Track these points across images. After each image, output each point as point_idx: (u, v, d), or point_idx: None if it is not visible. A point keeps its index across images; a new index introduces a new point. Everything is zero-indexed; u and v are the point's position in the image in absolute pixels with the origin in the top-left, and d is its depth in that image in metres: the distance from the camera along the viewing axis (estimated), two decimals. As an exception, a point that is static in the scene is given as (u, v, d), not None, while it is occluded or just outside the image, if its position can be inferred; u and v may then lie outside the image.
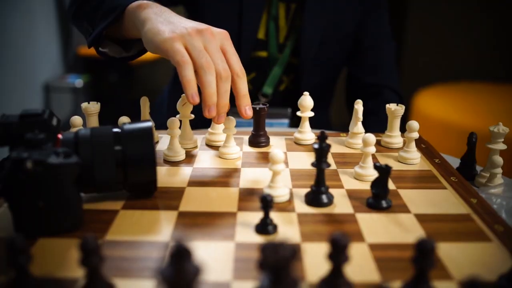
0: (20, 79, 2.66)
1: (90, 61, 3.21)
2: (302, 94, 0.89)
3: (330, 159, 0.83)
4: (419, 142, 0.91)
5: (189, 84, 0.70)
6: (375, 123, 1.11)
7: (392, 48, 1.31)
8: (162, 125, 0.97)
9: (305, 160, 0.83)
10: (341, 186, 0.73)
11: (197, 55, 0.71)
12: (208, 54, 0.72)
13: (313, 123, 0.94)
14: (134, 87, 3.34)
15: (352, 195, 0.70)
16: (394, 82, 1.29)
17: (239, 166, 0.80)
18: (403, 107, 0.87)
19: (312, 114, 0.90)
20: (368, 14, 1.26)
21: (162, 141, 0.91)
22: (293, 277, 0.38)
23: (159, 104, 1.43)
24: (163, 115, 1.28)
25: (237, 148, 0.85)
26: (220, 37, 0.75)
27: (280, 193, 0.67)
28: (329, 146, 0.65)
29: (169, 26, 0.74)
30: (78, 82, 3.00)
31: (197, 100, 0.71)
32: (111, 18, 0.84)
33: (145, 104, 0.87)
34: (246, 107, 0.77)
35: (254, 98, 1.23)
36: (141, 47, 0.92)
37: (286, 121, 1.19)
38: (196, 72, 0.72)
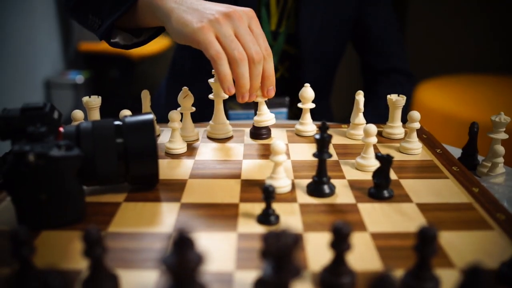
0: (20, 76, 2.66)
1: (90, 57, 3.21)
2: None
3: (331, 150, 0.83)
4: (421, 133, 0.91)
5: (225, 78, 0.72)
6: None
7: (396, 29, 1.30)
8: (160, 119, 0.97)
9: (306, 152, 0.83)
10: (343, 177, 0.73)
11: (229, 46, 0.72)
12: (239, 42, 0.73)
13: (314, 115, 0.94)
14: (134, 82, 3.34)
15: (354, 185, 0.70)
16: (403, 63, 1.29)
17: (240, 158, 0.80)
18: (404, 97, 0.87)
19: (313, 105, 0.90)
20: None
21: (164, 134, 0.91)
22: (296, 264, 0.38)
23: (156, 98, 1.42)
24: (161, 109, 1.28)
25: (272, 115, 0.86)
26: (247, 17, 0.75)
27: (282, 184, 0.68)
28: (330, 136, 0.65)
29: (195, 15, 0.73)
30: (79, 78, 3.00)
31: (233, 91, 0.74)
32: (124, 8, 0.83)
33: (146, 97, 0.88)
34: (269, 88, 0.78)
35: None
36: (151, 32, 0.91)
37: (284, 110, 1.18)
38: (229, 62, 0.72)
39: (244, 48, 0.73)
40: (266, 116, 0.87)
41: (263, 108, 0.86)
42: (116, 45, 0.91)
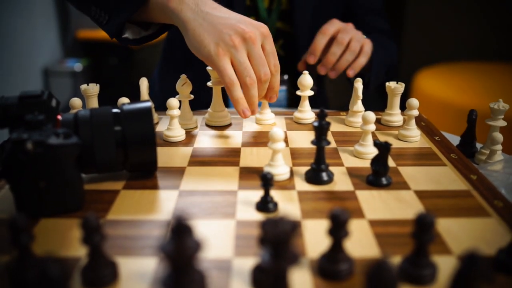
0: (19, 63, 2.65)
1: (89, 45, 3.19)
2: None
3: (330, 137, 0.83)
4: (419, 120, 0.92)
5: (239, 102, 0.78)
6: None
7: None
8: (155, 107, 0.96)
9: (305, 139, 0.83)
10: (341, 164, 0.73)
11: (242, 72, 0.77)
12: (251, 63, 0.78)
13: (312, 102, 0.94)
14: (133, 70, 3.33)
15: (352, 172, 0.70)
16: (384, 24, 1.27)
17: (239, 145, 0.80)
18: (403, 85, 0.87)
19: (311, 93, 0.90)
20: None
21: (162, 121, 0.91)
22: (293, 251, 0.38)
23: (151, 86, 1.41)
24: (155, 97, 1.27)
25: (272, 116, 0.91)
26: (261, 37, 0.79)
27: (281, 171, 0.68)
28: (328, 123, 0.65)
29: (212, 33, 0.76)
30: (77, 66, 2.99)
31: (248, 114, 0.80)
32: (135, 7, 0.81)
33: (144, 84, 0.87)
34: (273, 95, 0.85)
35: None
36: (160, 25, 0.89)
37: (283, 88, 1.18)
38: (241, 85, 0.78)
39: (254, 70, 0.78)
40: (267, 116, 0.90)
41: (266, 109, 0.90)
42: (126, 41, 0.88)
